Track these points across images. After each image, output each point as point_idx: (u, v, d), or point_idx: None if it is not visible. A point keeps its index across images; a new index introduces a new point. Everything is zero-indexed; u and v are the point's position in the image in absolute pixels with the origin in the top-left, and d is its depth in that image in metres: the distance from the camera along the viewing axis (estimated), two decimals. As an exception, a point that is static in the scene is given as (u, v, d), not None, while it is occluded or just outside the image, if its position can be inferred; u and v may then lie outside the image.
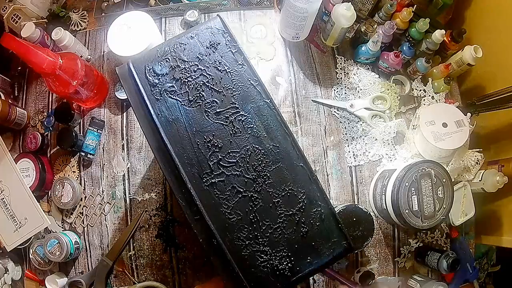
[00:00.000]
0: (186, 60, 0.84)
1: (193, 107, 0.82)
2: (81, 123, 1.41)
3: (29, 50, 1.12)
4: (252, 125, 0.82)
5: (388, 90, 1.42)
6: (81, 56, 1.41)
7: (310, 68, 1.45)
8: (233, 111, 0.83)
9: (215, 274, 1.25)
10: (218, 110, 0.82)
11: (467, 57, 1.34)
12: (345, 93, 1.43)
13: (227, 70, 0.85)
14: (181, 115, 0.81)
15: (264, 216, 0.81)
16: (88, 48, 1.48)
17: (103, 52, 1.48)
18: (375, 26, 1.40)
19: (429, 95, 1.43)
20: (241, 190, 0.80)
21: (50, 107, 1.44)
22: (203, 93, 0.82)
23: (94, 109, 1.42)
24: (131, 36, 1.31)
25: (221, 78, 0.84)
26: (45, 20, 1.48)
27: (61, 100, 1.40)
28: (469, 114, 1.32)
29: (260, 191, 0.81)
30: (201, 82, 0.83)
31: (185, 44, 0.86)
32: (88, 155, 1.35)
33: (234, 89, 0.84)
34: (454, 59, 1.39)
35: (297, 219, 0.82)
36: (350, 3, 1.30)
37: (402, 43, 1.41)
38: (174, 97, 0.82)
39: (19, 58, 1.16)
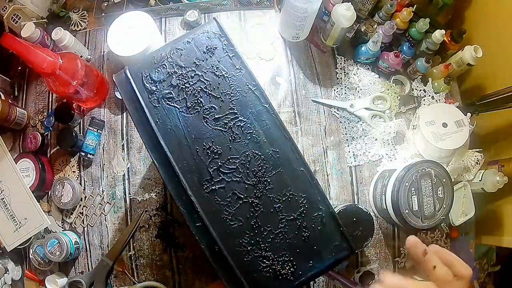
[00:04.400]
0: (183, 65, 0.84)
1: (191, 114, 0.81)
2: (81, 123, 1.41)
3: (29, 50, 1.12)
4: (251, 131, 0.82)
5: (388, 90, 1.42)
6: (81, 56, 1.41)
7: (310, 68, 1.45)
8: (231, 117, 0.82)
9: (215, 274, 1.26)
10: (217, 116, 0.82)
11: (467, 57, 1.33)
12: (345, 93, 1.43)
13: (225, 75, 0.84)
14: (180, 122, 0.81)
15: (265, 222, 0.81)
16: (88, 48, 1.48)
17: (103, 52, 1.48)
18: (375, 26, 1.39)
19: (429, 95, 1.43)
20: (242, 196, 0.80)
21: (50, 107, 1.44)
22: (201, 99, 0.82)
23: (94, 109, 1.42)
24: (131, 36, 1.31)
25: (219, 83, 0.84)
26: (45, 20, 1.48)
27: (61, 100, 1.40)
28: (469, 114, 1.31)
29: (260, 197, 0.81)
30: (199, 88, 0.83)
31: (182, 50, 0.86)
32: (88, 155, 1.35)
33: (232, 95, 0.83)
34: (454, 59, 1.39)
35: (299, 223, 0.82)
36: (350, 3, 1.29)
37: (402, 43, 1.41)
38: (172, 104, 0.81)
39: (19, 58, 1.16)
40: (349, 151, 1.38)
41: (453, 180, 1.20)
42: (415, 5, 1.37)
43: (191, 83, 0.83)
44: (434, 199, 1.16)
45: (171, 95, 0.82)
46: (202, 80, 0.83)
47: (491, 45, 1.35)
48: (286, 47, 1.47)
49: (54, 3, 1.49)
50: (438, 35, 1.35)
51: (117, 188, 1.35)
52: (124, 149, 1.38)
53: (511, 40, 1.30)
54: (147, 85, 0.82)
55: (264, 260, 0.79)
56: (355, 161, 1.38)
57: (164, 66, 0.84)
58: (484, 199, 1.36)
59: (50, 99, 1.44)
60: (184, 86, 0.82)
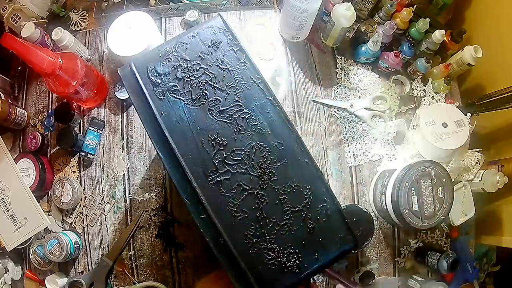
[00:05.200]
0: (188, 59, 0.84)
1: (196, 106, 0.81)
2: (81, 123, 1.41)
3: (29, 50, 1.12)
4: (256, 123, 0.82)
5: (388, 90, 1.43)
6: (81, 56, 1.41)
7: (310, 68, 1.45)
8: (236, 109, 0.82)
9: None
10: (222, 109, 0.82)
11: (467, 57, 1.34)
12: (345, 93, 1.43)
13: (230, 69, 0.84)
14: (185, 114, 0.81)
15: (270, 213, 0.80)
16: (88, 48, 1.48)
17: (103, 52, 1.48)
18: (375, 26, 1.40)
19: (429, 95, 1.43)
20: (247, 187, 0.80)
21: (50, 107, 1.43)
22: (206, 92, 0.82)
23: (94, 109, 1.42)
24: (131, 36, 1.31)
25: (224, 76, 0.84)
26: (45, 20, 1.48)
27: (61, 100, 1.40)
28: (469, 114, 1.32)
29: (265, 188, 0.80)
30: (204, 81, 0.83)
31: (187, 44, 0.86)
32: (88, 155, 1.35)
33: (237, 87, 0.84)
34: (454, 59, 1.40)
35: (304, 215, 0.82)
36: (350, 3, 1.30)
37: (402, 43, 1.42)
38: (177, 97, 0.81)
39: (19, 58, 1.16)
40: (349, 151, 1.38)
41: (453, 180, 1.20)
42: (415, 5, 1.38)
43: (196, 76, 0.83)
44: (434, 199, 1.16)
45: (176, 88, 0.82)
46: (207, 73, 0.84)
47: (491, 45, 1.35)
48: (286, 47, 1.47)
49: (54, 3, 1.49)
50: (438, 35, 1.35)
51: (117, 188, 1.35)
52: (124, 149, 1.38)
53: (511, 40, 1.31)
54: (152, 78, 0.82)
55: (270, 252, 0.79)
56: (355, 161, 1.38)
57: (169, 59, 0.84)
58: (484, 199, 1.36)
59: (50, 99, 1.44)
60: (189, 79, 0.82)
